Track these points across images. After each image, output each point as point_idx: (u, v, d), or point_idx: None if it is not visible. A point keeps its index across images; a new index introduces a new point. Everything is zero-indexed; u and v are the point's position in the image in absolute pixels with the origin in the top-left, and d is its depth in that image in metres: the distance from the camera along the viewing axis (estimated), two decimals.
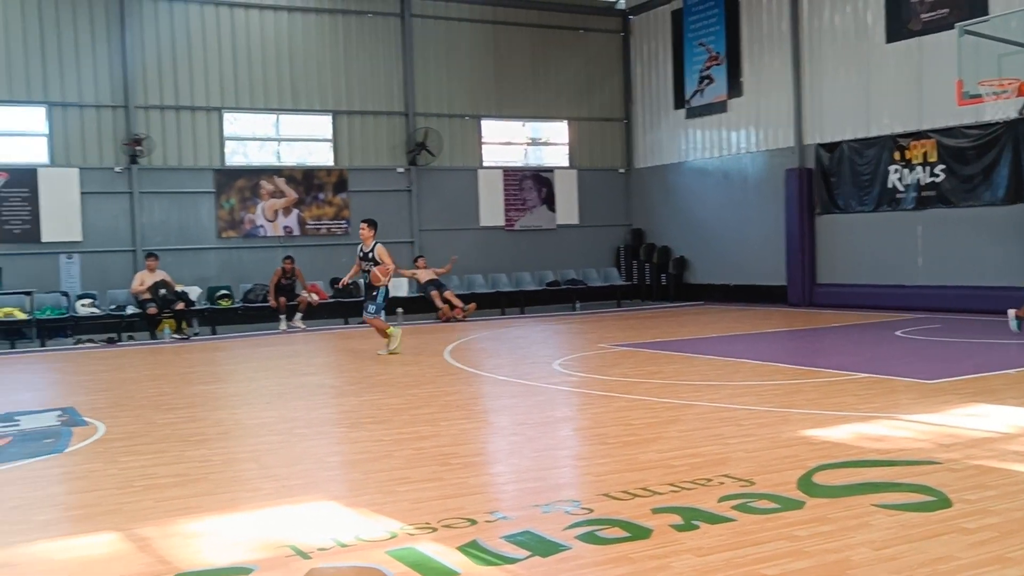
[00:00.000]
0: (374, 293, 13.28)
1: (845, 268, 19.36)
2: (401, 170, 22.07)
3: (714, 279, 22.41)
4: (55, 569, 4.46)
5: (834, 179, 19.39)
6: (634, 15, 24.44)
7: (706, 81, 22.26)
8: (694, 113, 22.66)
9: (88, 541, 4.90)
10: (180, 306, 17.66)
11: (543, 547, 4.41)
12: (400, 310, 20.02)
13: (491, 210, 23.05)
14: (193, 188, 19.94)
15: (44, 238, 18.51)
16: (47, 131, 18.76)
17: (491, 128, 23.43)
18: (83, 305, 17.66)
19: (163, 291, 17.52)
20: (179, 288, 17.97)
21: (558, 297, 22.26)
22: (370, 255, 13.25)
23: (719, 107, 21.91)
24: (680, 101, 23.05)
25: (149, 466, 6.62)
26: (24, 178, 18.35)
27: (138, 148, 19.05)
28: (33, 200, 18.39)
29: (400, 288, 20.50)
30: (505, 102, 23.24)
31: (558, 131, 24.35)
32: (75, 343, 17.20)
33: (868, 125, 18.68)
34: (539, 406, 8.84)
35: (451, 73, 22.59)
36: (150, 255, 18.08)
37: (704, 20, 22.16)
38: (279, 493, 5.77)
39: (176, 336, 17.39)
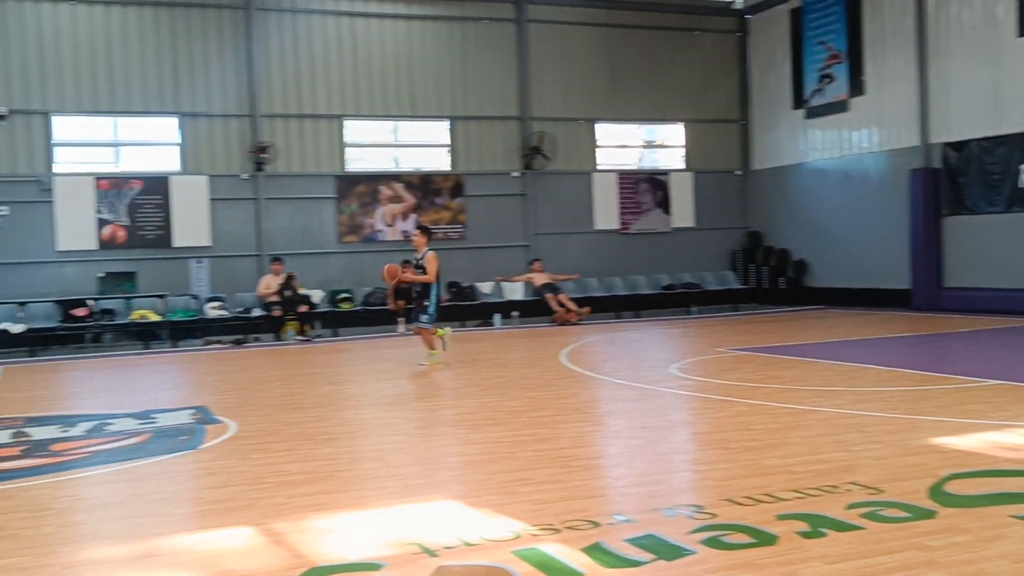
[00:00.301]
0: (425, 303, 12.77)
1: (974, 271, 18.66)
2: (516, 174, 22.23)
3: (834, 282, 21.90)
4: (195, 560, 4.65)
5: (962, 179, 18.72)
6: (751, 14, 24.08)
7: (826, 80, 21.79)
8: (813, 113, 22.19)
9: (225, 534, 5.09)
10: (303, 309, 18.17)
11: (667, 551, 4.41)
12: (516, 313, 20.21)
13: (606, 213, 23.02)
14: (315, 194, 20.49)
15: (176, 243, 19.29)
16: (179, 140, 19.56)
17: (606, 131, 23.41)
18: (212, 308, 18.32)
19: (288, 293, 18.05)
20: (302, 291, 18.48)
21: (673, 301, 22.07)
22: (420, 261, 12.90)
23: (840, 106, 21.41)
24: (799, 101, 22.61)
25: (279, 463, 6.85)
26: (157, 186, 19.16)
27: (263, 155, 19.69)
28: (165, 207, 19.18)
29: (516, 292, 20.68)
30: (620, 105, 23.18)
31: (673, 133, 24.16)
32: (204, 344, 17.86)
33: (998, 123, 17.99)
34: (657, 410, 8.82)
35: (566, 77, 22.66)
36: (275, 259, 18.66)
37: (824, 18, 21.69)
38: (404, 492, 5.90)
39: (299, 338, 17.90)
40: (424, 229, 13.39)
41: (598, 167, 23.16)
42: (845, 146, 21.49)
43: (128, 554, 4.82)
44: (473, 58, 21.85)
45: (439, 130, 21.87)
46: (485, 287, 20.86)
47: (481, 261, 21.49)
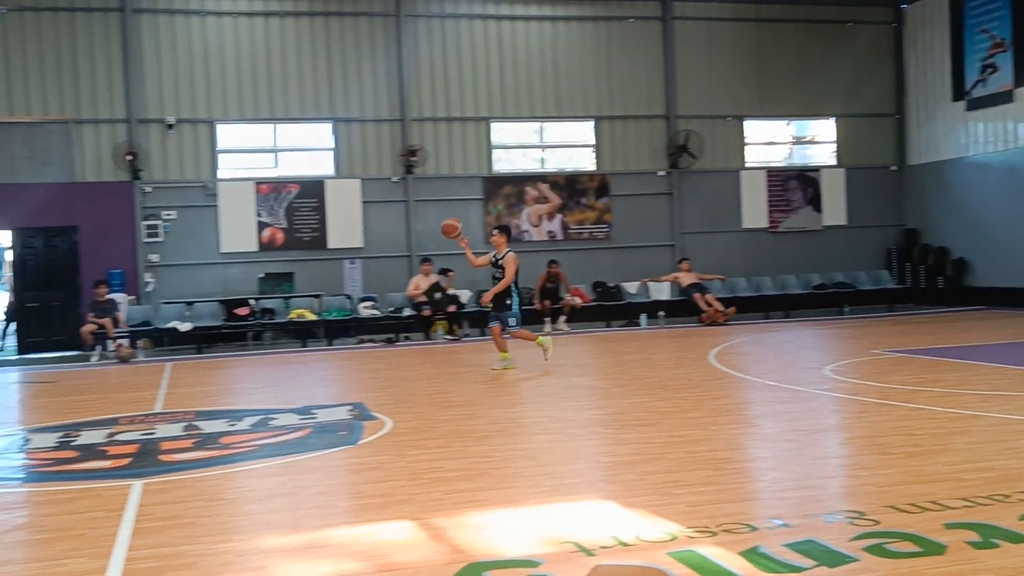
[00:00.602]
0: (508, 302, 12.52)
1: None
2: (662, 173, 22.08)
3: (998, 282, 20.90)
4: (359, 552, 4.82)
5: None
6: (907, 4, 23.22)
7: (989, 70, 20.82)
8: (975, 105, 21.24)
9: (386, 528, 5.26)
10: (452, 308, 18.51)
11: (829, 557, 4.33)
12: (662, 313, 20.06)
13: (754, 212, 22.61)
14: (463, 195, 20.86)
15: (330, 245, 19.96)
16: (333, 145, 20.24)
17: (754, 128, 23.00)
18: (365, 307, 18.86)
19: (437, 294, 18.43)
20: (451, 291, 18.82)
21: (825, 301, 21.46)
22: (500, 262, 12.56)
23: (1004, 97, 20.43)
24: (959, 92, 21.68)
25: (435, 460, 7.01)
26: (313, 189, 19.87)
27: (413, 159, 20.18)
28: (320, 209, 19.87)
29: (662, 292, 20.53)
30: (768, 101, 22.73)
31: (824, 129, 23.53)
32: (357, 343, 18.41)
33: None
34: (812, 412, 8.63)
35: (712, 74, 22.37)
36: (424, 260, 19.07)
37: (987, 5, 20.74)
38: (557, 490, 5.96)
39: (448, 337, 18.24)
40: (503, 229, 13.02)
41: (746, 164, 22.77)
42: (1010, 139, 20.49)
43: (296, 544, 5.03)
44: (618, 57, 21.82)
45: (584, 130, 21.92)
46: (631, 287, 20.79)
47: (626, 261, 21.46)
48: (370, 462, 7.13)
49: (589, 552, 4.58)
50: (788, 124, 23.65)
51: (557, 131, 22.07)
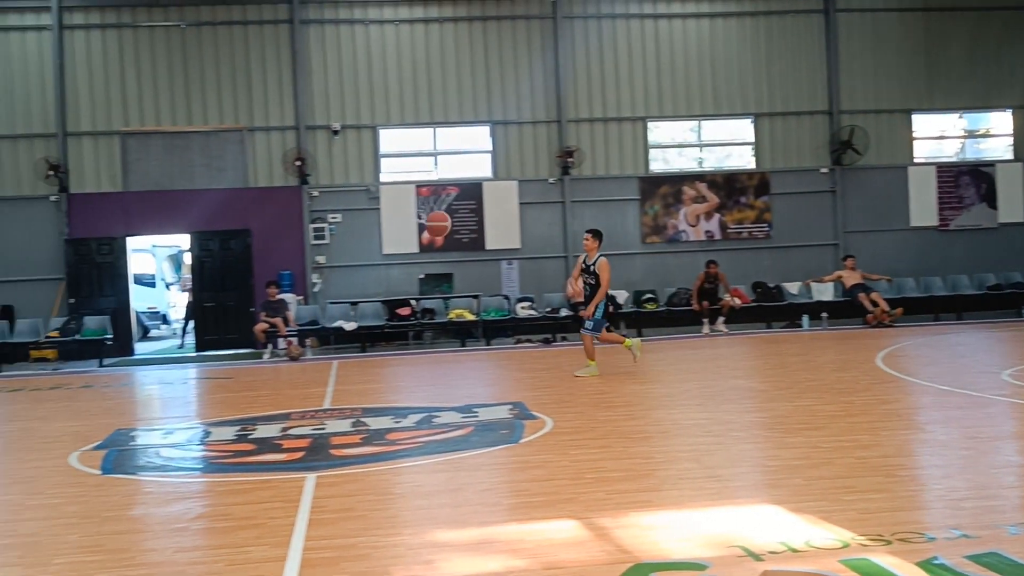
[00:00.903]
0: (592, 308, 12.23)
1: None
2: (824, 170, 21.46)
3: None
4: (527, 550, 4.89)
5: None
6: None
7: None
8: None
9: (551, 526, 5.31)
10: (609, 309, 18.47)
11: (1015, 571, 4.14)
12: (825, 314, 19.52)
13: (923, 209, 21.69)
14: (619, 196, 20.81)
15: (488, 246, 20.27)
16: (490, 148, 20.55)
17: (923, 122, 22.07)
18: (522, 307, 19.05)
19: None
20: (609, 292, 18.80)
21: (1001, 302, 20.35)
22: (592, 268, 12.28)
23: None
24: None
25: (597, 460, 7.04)
26: (472, 191, 20.22)
27: (569, 160, 20.27)
28: (479, 211, 20.20)
29: (825, 292, 19.97)
30: (938, 93, 21.78)
31: (1000, 121, 22.37)
32: (515, 343, 18.61)
33: None
34: (990, 419, 8.24)
35: (878, 67, 21.59)
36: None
37: None
38: (722, 494, 5.90)
39: None
40: (595, 233, 12.58)
41: (914, 160, 21.88)
42: None
43: (465, 539, 5.15)
44: (778, 53, 21.34)
45: (743, 128, 21.53)
46: (792, 287, 20.28)
47: (787, 261, 20.96)
48: (532, 461, 7.21)
49: (758, 557, 4.52)
50: (960, 117, 22.57)
51: (715, 129, 21.75)
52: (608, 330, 12.74)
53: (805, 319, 19.41)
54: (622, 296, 19.50)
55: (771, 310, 19.77)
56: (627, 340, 12.74)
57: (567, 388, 11.54)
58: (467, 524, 5.46)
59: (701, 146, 21.78)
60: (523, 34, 20.62)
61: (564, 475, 6.60)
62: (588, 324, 12.37)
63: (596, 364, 12.41)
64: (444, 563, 4.73)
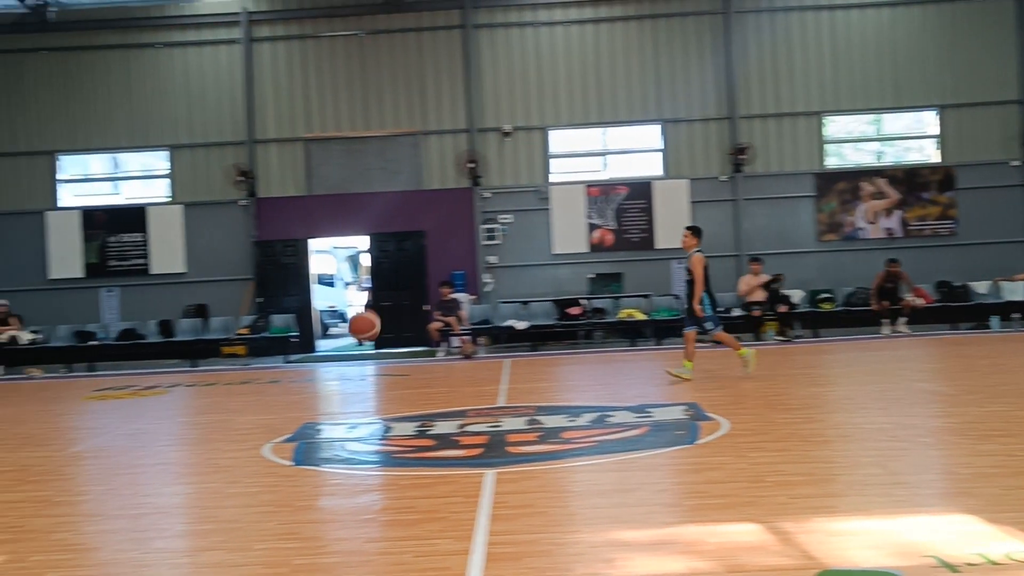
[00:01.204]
0: (699, 306, 12.02)
1: None
2: (1016, 163, 20.35)
3: None
4: (708, 552, 4.85)
5: None
6: None
7: None
8: None
9: (732, 529, 5.25)
10: (783, 309, 18.09)
11: None
12: (1016, 315, 18.55)
13: None
14: (793, 193, 20.33)
15: (658, 245, 20.16)
16: (661, 146, 20.43)
17: None
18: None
19: (775, 286, 18.07)
20: (783, 292, 18.40)
21: None
22: (686, 264, 12.13)
23: None
24: None
25: (776, 463, 6.91)
26: (641, 191, 20.16)
27: (742, 157, 19.93)
28: (648, 210, 20.12)
29: (1016, 292, 18.96)
30: None
31: None
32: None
33: None
34: None
35: None
36: (754, 259, 18.77)
37: None
38: (911, 501, 5.70)
39: (779, 338, 17.84)
40: (693, 229, 12.40)
41: None
42: None
43: (645, 539, 5.15)
44: (964, 40, 20.39)
45: (926, 120, 20.64)
46: (980, 287, 19.32)
47: (974, 259, 20.00)
48: (710, 462, 7.14)
49: (953, 568, 4.35)
50: None
51: (895, 122, 20.94)
52: (710, 332, 12.38)
53: (994, 320, 18.46)
54: (797, 295, 19.02)
55: (957, 310, 18.89)
56: (743, 349, 12.42)
57: (740, 389, 11.36)
58: (646, 524, 5.46)
59: (881, 140, 21.00)
60: (692, 30, 20.41)
61: (743, 477, 6.51)
62: (709, 325, 12.15)
63: (692, 367, 12.15)
64: (625, 562, 4.75)
